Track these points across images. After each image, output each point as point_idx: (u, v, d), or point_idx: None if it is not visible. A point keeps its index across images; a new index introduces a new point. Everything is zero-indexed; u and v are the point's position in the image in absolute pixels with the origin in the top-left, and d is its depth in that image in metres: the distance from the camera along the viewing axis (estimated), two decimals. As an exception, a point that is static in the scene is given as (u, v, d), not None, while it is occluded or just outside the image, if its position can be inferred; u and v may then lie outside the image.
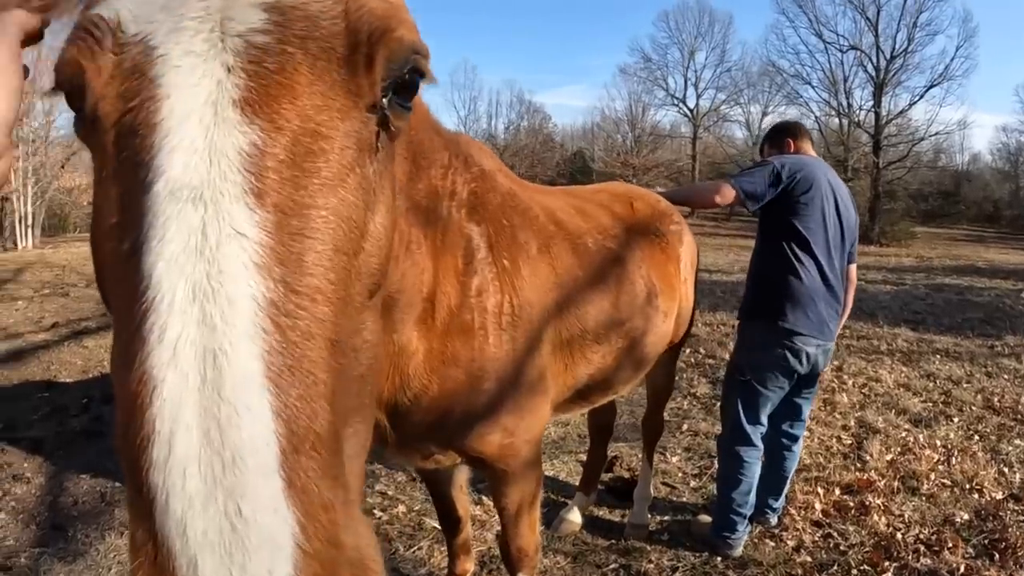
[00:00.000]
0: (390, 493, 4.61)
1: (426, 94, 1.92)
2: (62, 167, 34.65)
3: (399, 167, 1.65)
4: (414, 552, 3.90)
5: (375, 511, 4.34)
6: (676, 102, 51.66)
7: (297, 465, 0.66)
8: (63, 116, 36.04)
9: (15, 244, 30.98)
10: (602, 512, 4.43)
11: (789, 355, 3.69)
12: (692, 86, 51.33)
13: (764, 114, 49.55)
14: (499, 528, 4.06)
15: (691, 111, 51.02)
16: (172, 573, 0.62)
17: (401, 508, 4.39)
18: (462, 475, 3.03)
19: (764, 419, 3.88)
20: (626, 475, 4.96)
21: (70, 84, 0.86)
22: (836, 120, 41.53)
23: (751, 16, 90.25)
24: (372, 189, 0.93)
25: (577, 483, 4.65)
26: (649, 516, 4.20)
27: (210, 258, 0.71)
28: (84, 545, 4.15)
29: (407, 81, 0.96)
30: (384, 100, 0.93)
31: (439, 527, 4.08)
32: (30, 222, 33.14)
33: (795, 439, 4.13)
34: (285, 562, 0.63)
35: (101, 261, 0.86)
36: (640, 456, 5.08)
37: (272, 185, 0.78)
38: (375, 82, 0.91)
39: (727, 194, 3.67)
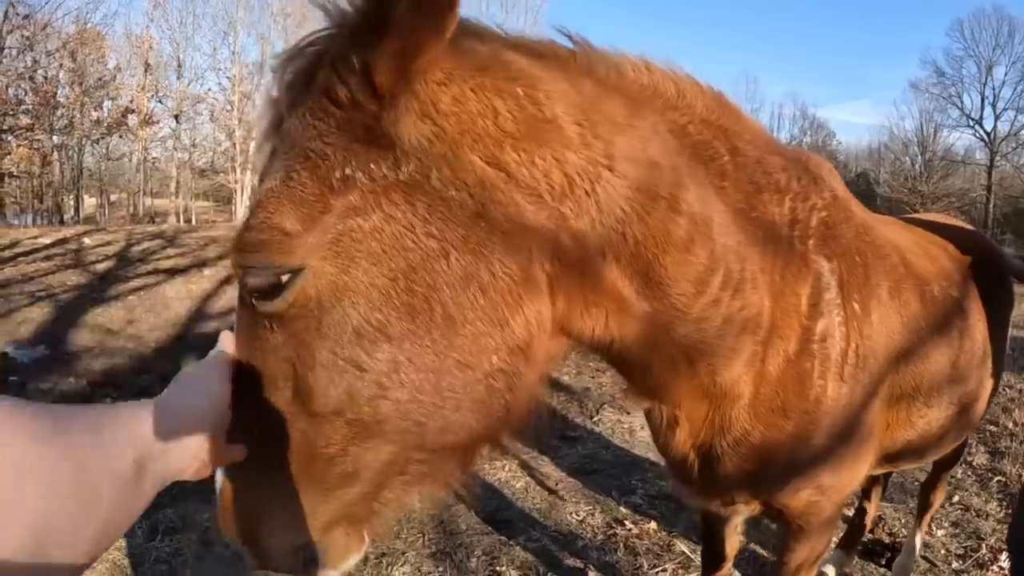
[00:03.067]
0: (644, 507, 4.57)
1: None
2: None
3: (724, 197, 1.62)
4: (658, 573, 3.83)
5: (626, 522, 4.33)
6: (971, 123, 46.82)
7: None
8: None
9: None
10: (856, 574, 4.12)
11: None
12: (990, 105, 46.19)
13: (1070, 143, 43.86)
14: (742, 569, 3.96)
15: (987, 134, 45.95)
16: None
17: (652, 524, 4.34)
18: (740, 515, 2.92)
19: None
20: (886, 539, 4.57)
21: None
22: None
23: (1058, 23, 78.58)
24: (276, 349, 1.23)
25: (833, 537, 4.39)
26: (905, 593, 3.87)
27: None
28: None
29: (248, 288, 1.22)
30: (251, 299, 1.22)
31: (687, 552, 4.02)
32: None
33: None
34: None
35: None
36: (904, 520, 4.71)
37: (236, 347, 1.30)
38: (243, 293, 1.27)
39: None
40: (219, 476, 1.31)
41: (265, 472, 1.28)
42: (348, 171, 1.17)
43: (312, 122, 1.19)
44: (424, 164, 1.19)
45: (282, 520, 1.30)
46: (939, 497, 4.00)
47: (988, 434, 6.77)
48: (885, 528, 4.72)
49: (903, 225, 2.89)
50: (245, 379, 1.24)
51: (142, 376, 6.64)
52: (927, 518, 4.01)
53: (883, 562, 4.23)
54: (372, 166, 1.17)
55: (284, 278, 1.17)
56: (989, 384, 2.82)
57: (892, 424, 2.35)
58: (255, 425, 1.25)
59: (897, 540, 4.46)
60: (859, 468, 2.23)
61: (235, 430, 1.23)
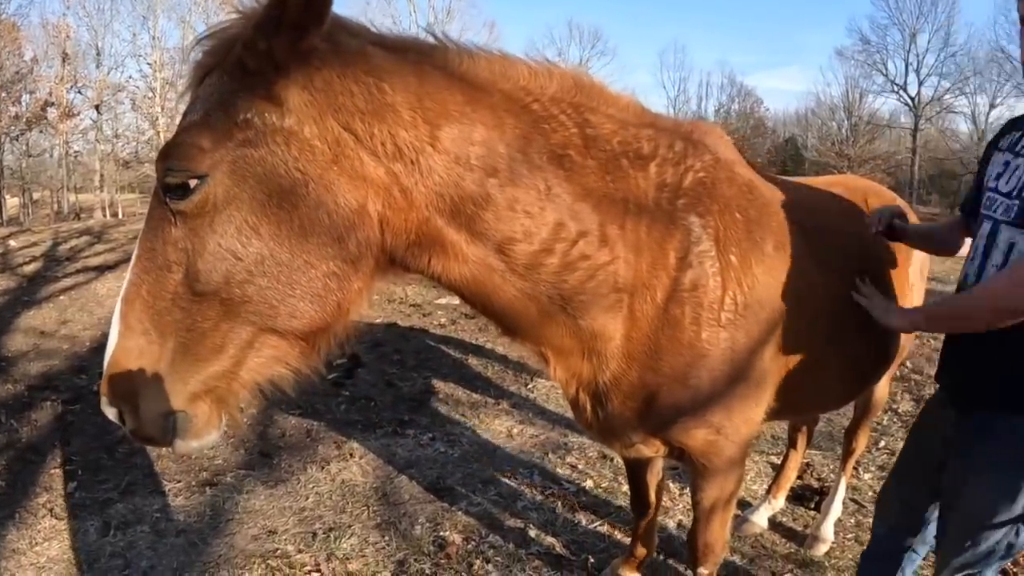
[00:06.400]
0: (580, 467, 4.74)
1: (633, 75, 2.12)
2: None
3: (564, 164, 1.92)
4: (596, 527, 4.01)
5: (563, 483, 4.51)
6: (896, 89, 47.80)
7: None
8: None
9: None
10: (785, 518, 4.33)
11: None
12: (913, 72, 46.95)
13: (991, 106, 44.28)
14: (681, 518, 4.15)
15: (912, 100, 46.92)
16: None
17: (589, 483, 4.51)
18: (660, 462, 3.09)
19: None
20: (815, 484, 4.80)
21: None
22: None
23: (979, -7, 79.26)
24: (176, 240, 1.62)
25: (762, 484, 4.59)
26: (833, 531, 4.09)
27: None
28: (287, 474, 4.59)
29: (167, 186, 1.60)
30: (166, 198, 1.61)
31: (623, 506, 4.19)
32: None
33: None
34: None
35: None
36: (832, 467, 4.94)
37: (140, 241, 1.67)
38: (159, 191, 1.63)
39: None
40: (111, 346, 1.65)
41: (151, 343, 1.64)
42: (249, 115, 1.60)
43: (228, 80, 1.62)
44: (300, 120, 1.62)
45: (158, 386, 1.65)
46: (862, 443, 4.18)
47: (913, 383, 7.04)
48: (814, 474, 4.94)
49: (808, 187, 3.00)
50: (147, 264, 1.64)
51: (80, 376, 6.52)
52: (851, 462, 4.20)
53: (812, 506, 4.44)
54: (266, 115, 1.60)
55: (193, 183, 1.58)
56: (894, 335, 2.95)
57: (791, 371, 2.50)
58: (149, 302, 1.63)
59: (825, 485, 4.66)
60: (752, 409, 2.40)
61: (136, 306, 1.63)
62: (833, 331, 2.56)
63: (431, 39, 1.89)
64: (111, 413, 1.71)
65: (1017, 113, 2.43)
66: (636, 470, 3.11)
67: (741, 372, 2.25)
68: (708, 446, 2.36)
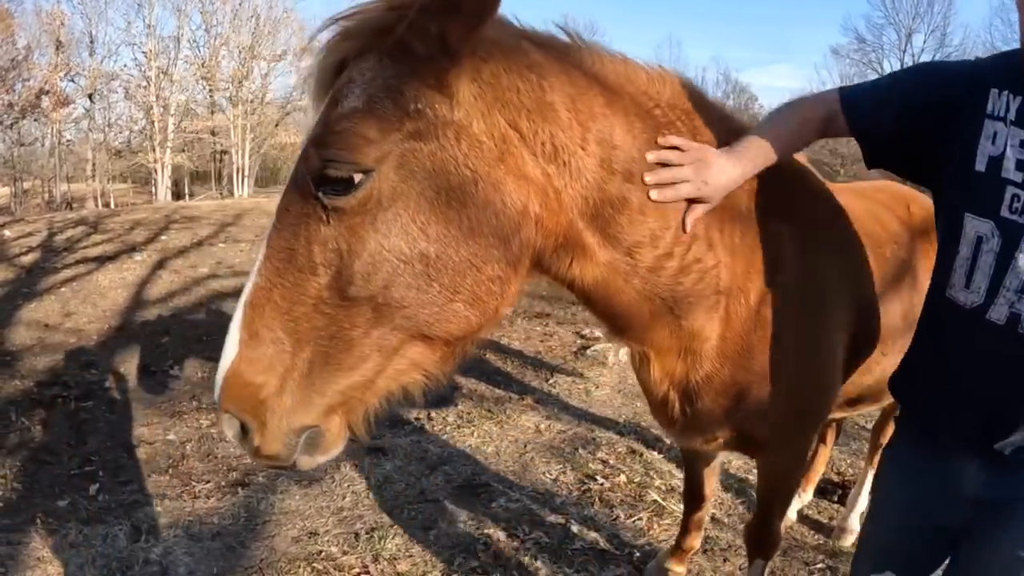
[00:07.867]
0: (611, 462, 4.75)
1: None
2: (276, 126, 38.97)
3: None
4: (634, 522, 4.03)
5: (597, 478, 4.52)
6: (891, 88, 48.30)
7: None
8: (278, 79, 40.63)
9: (231, 192, 34.92)
10: (811, 511, 4.40)
11: None
12: (909, 72, 47.73)
13: (986, 106, 45.36)
14: (713, 511, 4.15)
15: (907, 98, 47.56)
16: None
17: (622, 478, 4.52)
18: (720, 457, 3.14)
19: None
20: (835, 478, 4.88)
21: None
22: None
23: (974, -5, 79.66)
24: (326, 240, 1.51)
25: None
26: (859, 522, 4.13)
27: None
28: (319, 472, 4.49)
29: (324, 179, 1.49)
30: (319, 193, 1.48)
31: (659, 500, 4.24)
32: (246, 173, 37.40)
33: None
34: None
35: None
36: (849, 462, 5.06)
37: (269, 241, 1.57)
38: (307, 185, 1.51)
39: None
40: (229, 356, 1.53)
41: (282, 352, 1.53)
42: (420, 105, 1.52)
43: (391, 64, 1.53)
44: (469, 114, 1.55)
45: (292, 400, 1.54)
46: (887, 434, 4.25)
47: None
48: (834, 469, 5.01)
49: (850, 190, 3.09)
50: (281, 266, 1.53)
51: (90, 371, 6.43)
52: (878, 455, 4.25)
53: (835, 499, 4.53)
54: (436, 105, 1.52)
55: (357, 178, 1.47)
56: None
57: (853, 370, 2.60)
58: (283, 307, 1.52)
59: (846, 479, 4.76)
60: (825, 406, 2.52)
61: (265, 312, 1.52)
62: (891, 330, 2.66)
63: (564, 36, 1.84)
64: (232, 430, 1.60)
65: None
66: (694, 465, 3.16)
67: (817, 370, 2.35)
68: (785, 439, 2.44)
